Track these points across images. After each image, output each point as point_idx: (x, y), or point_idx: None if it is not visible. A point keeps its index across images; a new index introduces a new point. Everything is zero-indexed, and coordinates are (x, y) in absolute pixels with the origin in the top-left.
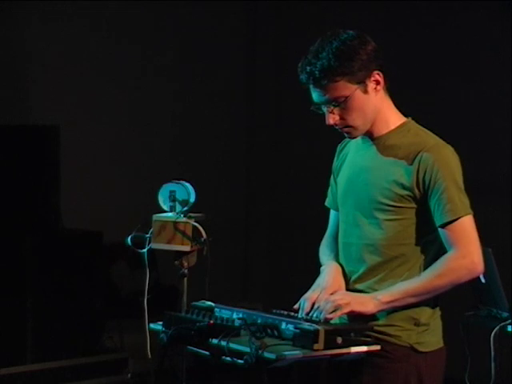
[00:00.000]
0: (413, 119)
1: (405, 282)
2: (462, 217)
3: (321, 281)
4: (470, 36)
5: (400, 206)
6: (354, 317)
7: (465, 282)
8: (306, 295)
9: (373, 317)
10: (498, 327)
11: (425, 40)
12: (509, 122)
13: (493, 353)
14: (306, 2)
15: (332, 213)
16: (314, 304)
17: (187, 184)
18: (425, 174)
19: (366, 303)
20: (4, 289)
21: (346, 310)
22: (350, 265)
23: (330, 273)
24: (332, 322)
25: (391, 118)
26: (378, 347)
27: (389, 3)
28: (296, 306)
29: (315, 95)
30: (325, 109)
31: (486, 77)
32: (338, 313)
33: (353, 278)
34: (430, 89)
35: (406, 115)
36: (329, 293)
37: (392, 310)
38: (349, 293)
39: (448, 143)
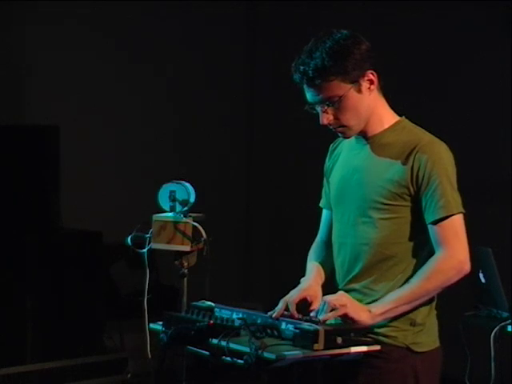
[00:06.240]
0: (406, 118)
1: (396, 290)
2: (453, 214)
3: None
4: (469, 36)
5: (395, 205)
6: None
7: (455, 282)
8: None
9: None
10: (498, 327)
11: (424, 40)
12: (509, 122)
13: (493, 353)
14: (306, 2)
15: (325, 214)
16: (287, 306)
17: (187, 184)
18: (419, 170)
19: (361, 313)
20: (4, 288)
21: (341, 312)
22: (346, 265)
23: (308, 275)
24: (328, 322)
25: (385, 117)
26: (378, 347)
27: (388, 3)
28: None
29: (309, 95)
30: (319, 108)
31: (486, 77)
32: (330, 315)
33: (349, 277)
34: (430, 89)
35: (401, 115)
36: (303, 295)
37: None
38: (347, 295)
39: (447, 143)
